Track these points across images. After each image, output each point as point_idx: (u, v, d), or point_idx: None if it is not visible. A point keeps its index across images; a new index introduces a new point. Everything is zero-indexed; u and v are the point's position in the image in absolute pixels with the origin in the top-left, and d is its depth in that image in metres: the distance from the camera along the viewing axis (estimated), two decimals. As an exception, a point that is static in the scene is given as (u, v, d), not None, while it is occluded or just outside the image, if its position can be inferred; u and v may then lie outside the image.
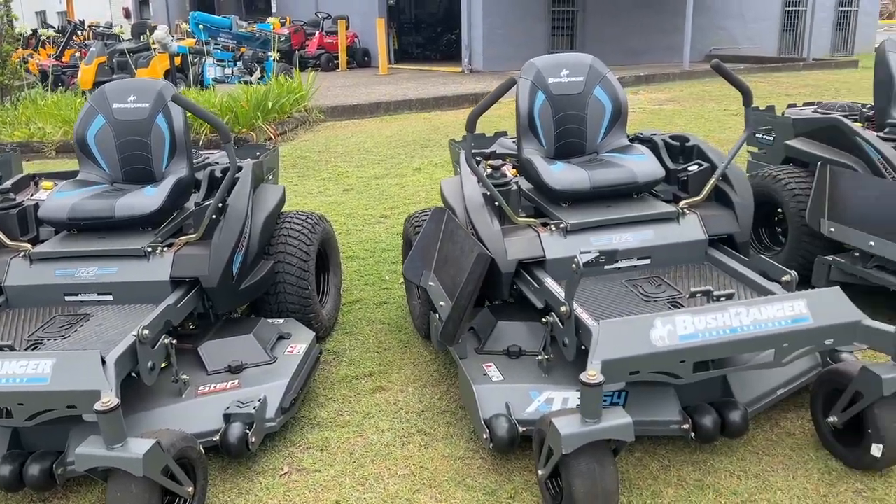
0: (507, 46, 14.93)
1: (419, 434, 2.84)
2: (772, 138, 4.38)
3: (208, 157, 3.88)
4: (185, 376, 2.76)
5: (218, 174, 3.39)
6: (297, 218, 3.52)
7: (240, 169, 3.27)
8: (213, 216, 3.04)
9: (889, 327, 2.37)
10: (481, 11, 15.25)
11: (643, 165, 3.14)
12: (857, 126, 3.81)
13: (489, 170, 3.18)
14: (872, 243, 3.40)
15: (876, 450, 2.40)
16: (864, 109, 4.29)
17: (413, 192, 6.29)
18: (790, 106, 4.70)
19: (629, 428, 2.14)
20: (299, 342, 3.08)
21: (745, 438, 2.70)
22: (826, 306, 2.43)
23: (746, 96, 3.11)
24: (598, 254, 2.42)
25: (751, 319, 2.37)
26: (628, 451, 2.66)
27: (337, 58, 17.78)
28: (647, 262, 3.06)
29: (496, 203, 3.05)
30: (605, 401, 2.59)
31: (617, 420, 2.15)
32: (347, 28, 18.04)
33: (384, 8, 18.99)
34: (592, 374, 2.13)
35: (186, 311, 2.92)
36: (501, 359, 2.88)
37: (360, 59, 18.77)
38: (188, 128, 3.34)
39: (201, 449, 2.44)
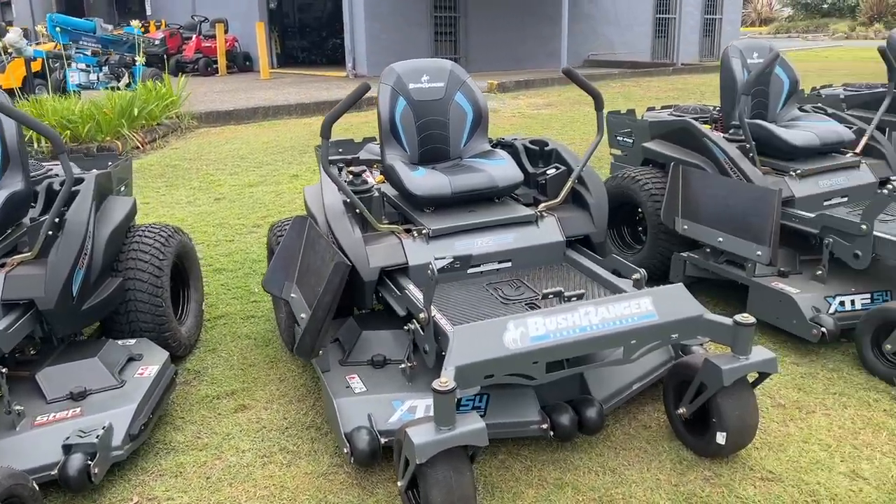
0: (391, 51, 14.91)
1: (281, 452, 2.74)
2: (631, 141, 4.56)
3: (52, 169, 3.61)
4: (18, 407, 2.54)
5: (56, 187, 3.15)
6: (148, 231, 3.33)
7: (80, 181, 3.05)
8: (50, 232, 2.82)
9: (727, 319, 2.50)
10: (363, 16, 15.17)
11: (503, 170, 3.17)
12: (705, 128, 4.02)
13: (350, 176, 3.13)
14: (721, 239, 3.59)
15: (721, 437, 2.52)
16: (714, 112, 4.54)
17: (289, 199, 6.13)
18: (649, 109, 4.91)
19: (482, 433, 2.14)
20: (151, 363, 2.91)
21: (605, 434, 2.77)
22: (670, 302, 2.53)
23: (597, 101, 3.21)
24: (451, 259, 2.42)
25: (599, 318, 2.44)
26: (492, 454, 2.68)
27: (216, 62, 17.19)
28: (509, 265, 3.09)
29: (357, 210, 3.00)
30: (466, 405, 2.61)
31: (470, 426, 2.14)
32: (226, 32, 17.47)
33: (264, 11, 18.53)
34: (444, 381, 2.11)
35: (19, 336, 2.69)
36: (366, 369, 2.83)
37: (242, 63, 18.23)
38: (22, 137, 3.09)
39: (34, 486, 2.24)
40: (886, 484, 2.48)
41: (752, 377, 2.58)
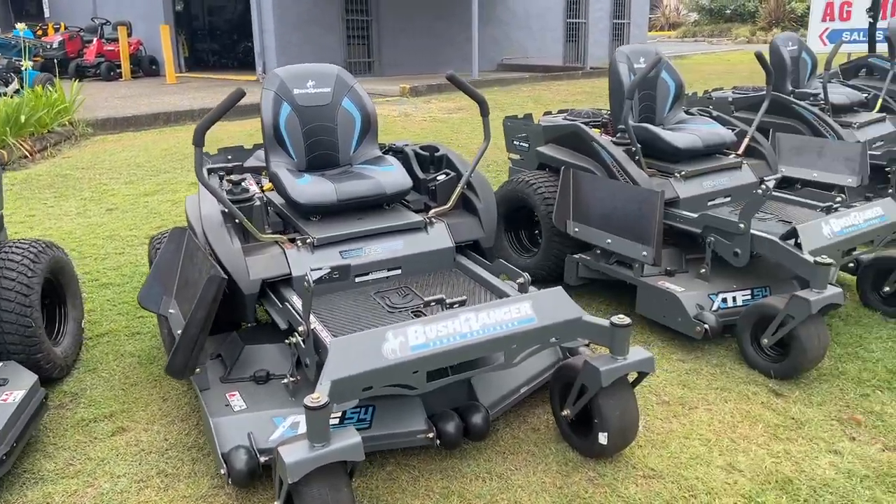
0: (302, 54, 14.68)
1: (159, 476, 2.61)
2: (527, 145, 4.61)
3: None
4: None
5: None
6: (16, 247, 3.13)
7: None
8: None
9: (604, 321, 2.53)
10: (272, 19, 14.87)
11: (391, 176, 3.13)
12: (594, 132, 4.10)
13: (229, 185, 3.02)
14: (609, 241, 3.67)
15: (602, 438, 2.55)
16: (605, 116, 4.64)
17: (187, 209, 5.90)
18: (546, 114, 4.97)
19: (358, 447, 2.09)
20: (17, 388, 2.73)
21: (493, 439, 2.77)
22: (549, 306, 2.55)
23: (482, 107, 3.21)
24: (329, 270, 2.36)
25: (480, 324, 2.43)
26: (380, 465, 2.63)
27: (119, 66, 16.50)
28: (398, 272, 3.05)
29: (237, 220, 2.90)
30: (351, 418, 2.55)
31: (345, 441, 2.09)
32: (130, 34, 16.80)
33: (170, 14, 17.94)
34: (316, 396, 2.05)
35: None
36: (248, 385, 2.74)
37: (147, 67, 17.56)
38: None
39: None
40: (760, 475, 2.57)
41: (632, 377, 2.63)
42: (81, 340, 3.52)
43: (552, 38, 20.63)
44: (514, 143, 4.74)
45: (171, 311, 2.96)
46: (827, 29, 12.08)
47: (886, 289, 3.74)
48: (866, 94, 5.98)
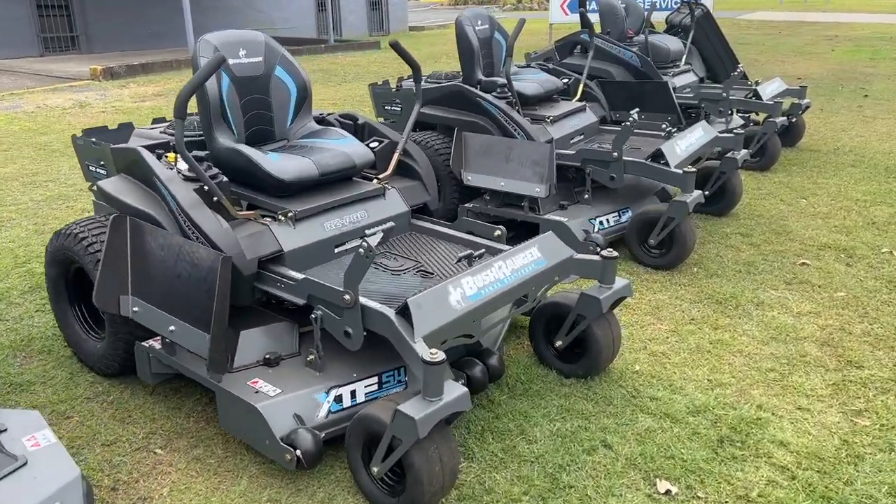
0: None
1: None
2: (399, 108, 4.92)
3: None
4: None
5: None
6: None
7: None
8: None
9: (595, 257, 2.90)
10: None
11: (355, 148, 3.09)
12: (474, 90, 4.49)
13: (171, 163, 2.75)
14: (503, 183, 4.09)
15: (597, 356, 2.94)
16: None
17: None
18: (401, 79, 5.30)
19: (466, 398, 2.19)
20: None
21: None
22: (550, 248, 2.84)
23: (416, 72, 3.33)
24: (381, 234, 2.37)
25: (510, 270, 2.64)
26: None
27: None
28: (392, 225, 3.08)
29: (214, 199, 2.67)
30: (388, 381, 2.60)
31: (455, 392, 2.17)
32: None
33: None
34: (434, 351, 2.10)
35: None
36: (262, 371, 2.59)
37: None
38: None
39: None
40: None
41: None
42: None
43: (303, 7, 18.85)
44: (385, 108, 5.06)
45: (135, 309, 2.63)
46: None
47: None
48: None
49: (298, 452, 2.25)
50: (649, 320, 3.55)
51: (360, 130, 3.55)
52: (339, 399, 2.50)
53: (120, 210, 2.83)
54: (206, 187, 2.64)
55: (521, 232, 4.44)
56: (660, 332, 3.43)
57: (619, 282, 2.93)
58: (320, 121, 3.54)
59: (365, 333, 2.45)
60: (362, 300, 2.46)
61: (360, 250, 2.30)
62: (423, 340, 2.24)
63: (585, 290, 2.88)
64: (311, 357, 2.57)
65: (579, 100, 5.21)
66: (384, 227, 2.42)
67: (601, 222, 4.28)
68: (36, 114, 8.15)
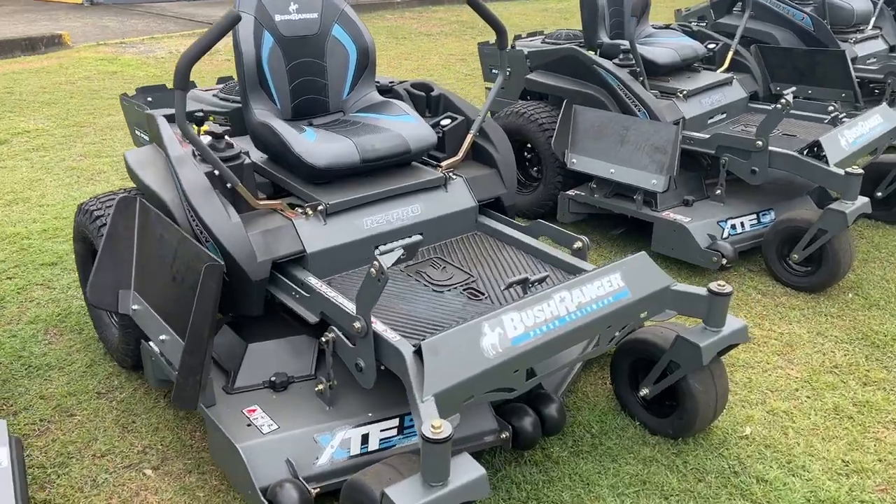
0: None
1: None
2: (509, 72, 4.26)
3: None
4: None
5: None
6: None
7: None
8: None
9: (699, 290, 2.21)
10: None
11: (414, 129, 2.56)
12: (592, 55, 3.78)
13: (208, 139, 2.33)
14: (613, 170, 3.45)
15: (692, 416, 2.27)
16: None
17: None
18: (517, 37, 4.67)
19: (483, 484, 1.64)
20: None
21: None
22: (639, 275, 2.19)
23: (501, 36, 2.72)
24: (402, 251, 1.84)
25: (576, 304, 2.02)
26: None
27: None
28: (420, 239, 2.55)
29: (228, 185, 2.24)
30: (410, 425, 2.08)
31: (467, 476, 1.63)
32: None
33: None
34: (437, 425, 1.56)
35: None
36: (265, 395, 2.17)
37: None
38: None
39: None
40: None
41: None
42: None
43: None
44: (493, 71, 4.48)
45: (134, 307, 2.28)
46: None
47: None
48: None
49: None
50: (776, 362, 2.79)
51: (433, 103, 3.00)
52: (345, 444, 2.03)
53: (138, 188, 2.49)
54: (215, 171, 2.21)
55: (632, 228, 3.77)
56: (787, 381, 2.67)
57: (732, 323, 2.22)
58: (387, 91, 3.02)
59: (384, 367, 1.95)
60: (379, 328, 1.96)
61: (372, 270, 1.79)
62: (436, 400, 1.71)
63: (684, 333, 2.20)
64: (321, 387, 2.11)
65: (726, 70, 4.33)
66: (408, 241, 1.87)
67: (733, 226, 3.46)
68: (165, 60, 8.20)
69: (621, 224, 3.84)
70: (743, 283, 3.39)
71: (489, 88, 4.51)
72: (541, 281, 2.16)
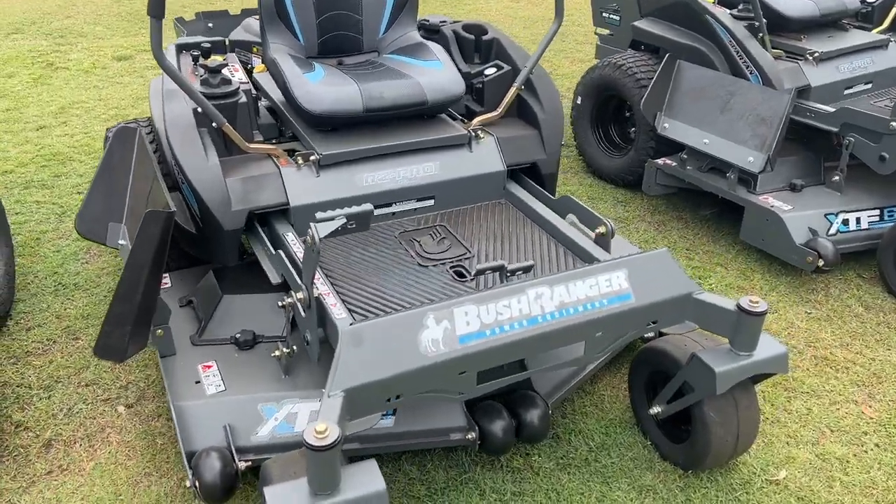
0: None
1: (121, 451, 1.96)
2: (618, 18, 3.83)
3: None
4: None
5: None
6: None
7: None
8: None
9: (727, 302, 1.80)
10: None
11: (436, 77, 2.28)
12: (707, 3, 3.22)
13: (204, 72, 2.19)
14: (707, 141, 2.98)
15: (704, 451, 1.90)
16: None
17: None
18: None
19: (382, 498, 1.42)
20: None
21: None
22: (650, 276, 1.81)
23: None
24: (344, 219, 1.61)
25: (556, 304, 1.70)
26: (418, 464, 1.99)
27: None
28: (430, 203, 2.30)
29: (214, 123, 2.10)
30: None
31: (364, 489, 1.41)
32: None
33: None
34: (322, 428, 1.35)
35: None
36: (228, 351, 2.06)
37: None
38: None
39: None
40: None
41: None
42: (13, 285, 2.72)
43: None
44: (603, 14, 3.98)
45: (121, 242, 2.22)
46: None
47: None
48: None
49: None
50: (852, 394, 2.31)
51: (483, 48, 2.67)
52: (291, 419, 1.87)
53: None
54: (199, 108, 2.06)
55: (726, 210, 3.26)
56: (857, 421, 2.19)
57: (767, 348, 1.81)
58: (434, 31, 2.73)
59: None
60: (330, 300, 1.76)
61: (307, 239, 1.58)
62: (347, 396, 1.49)
63: (701, 352, 1.82)
64: (278, 353, 1.95)
65: (886, 30, 3.57)
66: (357, 209, 1.62)
67: (845, 221, 2.87)
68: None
69: (715, 204, 3.33)
70: (845, 291, 2.83)
71: (599, 35, 4.05)
72: (525, 270, 1.84)
